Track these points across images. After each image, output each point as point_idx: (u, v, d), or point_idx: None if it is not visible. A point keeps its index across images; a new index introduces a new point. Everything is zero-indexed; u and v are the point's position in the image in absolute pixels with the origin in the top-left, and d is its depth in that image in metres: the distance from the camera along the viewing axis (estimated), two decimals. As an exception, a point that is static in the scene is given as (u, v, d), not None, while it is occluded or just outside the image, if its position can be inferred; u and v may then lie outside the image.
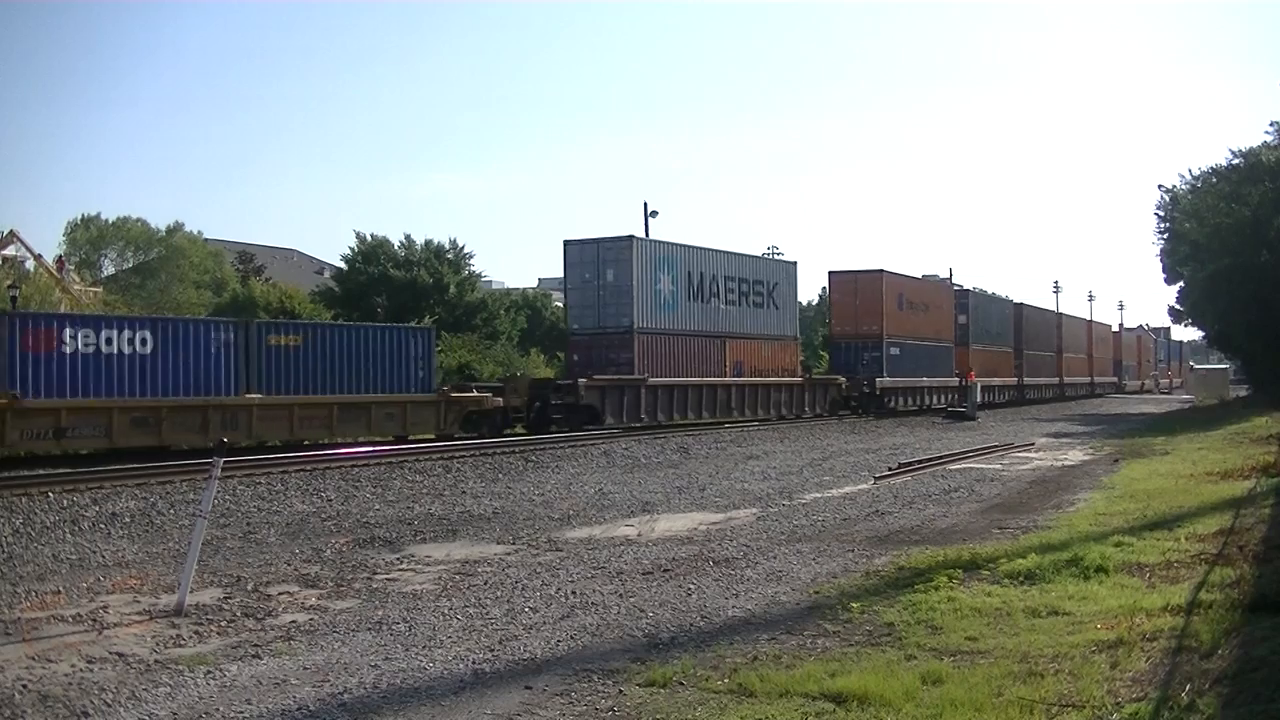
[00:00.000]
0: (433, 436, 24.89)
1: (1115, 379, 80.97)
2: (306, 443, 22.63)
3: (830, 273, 45.19)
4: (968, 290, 52.80)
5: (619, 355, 29.65)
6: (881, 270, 42.13)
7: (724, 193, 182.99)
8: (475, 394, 26.32)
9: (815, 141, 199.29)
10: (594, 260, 30.31)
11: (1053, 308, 70.89)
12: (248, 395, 22.16)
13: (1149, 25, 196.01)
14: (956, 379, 46.69)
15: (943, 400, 46.65)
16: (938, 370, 45.93)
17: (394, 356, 24.55)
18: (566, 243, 30.99)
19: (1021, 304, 60.95)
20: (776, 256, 38.14)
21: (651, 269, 30.52)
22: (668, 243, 32.36)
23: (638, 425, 28.90)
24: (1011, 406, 51.60)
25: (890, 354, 41.39)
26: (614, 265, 29.97)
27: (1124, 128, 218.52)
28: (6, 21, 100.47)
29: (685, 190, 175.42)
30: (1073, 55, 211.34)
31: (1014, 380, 55.81)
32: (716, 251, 34.01)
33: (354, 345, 24.09)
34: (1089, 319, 78.23)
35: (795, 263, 39.24)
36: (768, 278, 36.38)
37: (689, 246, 32.74)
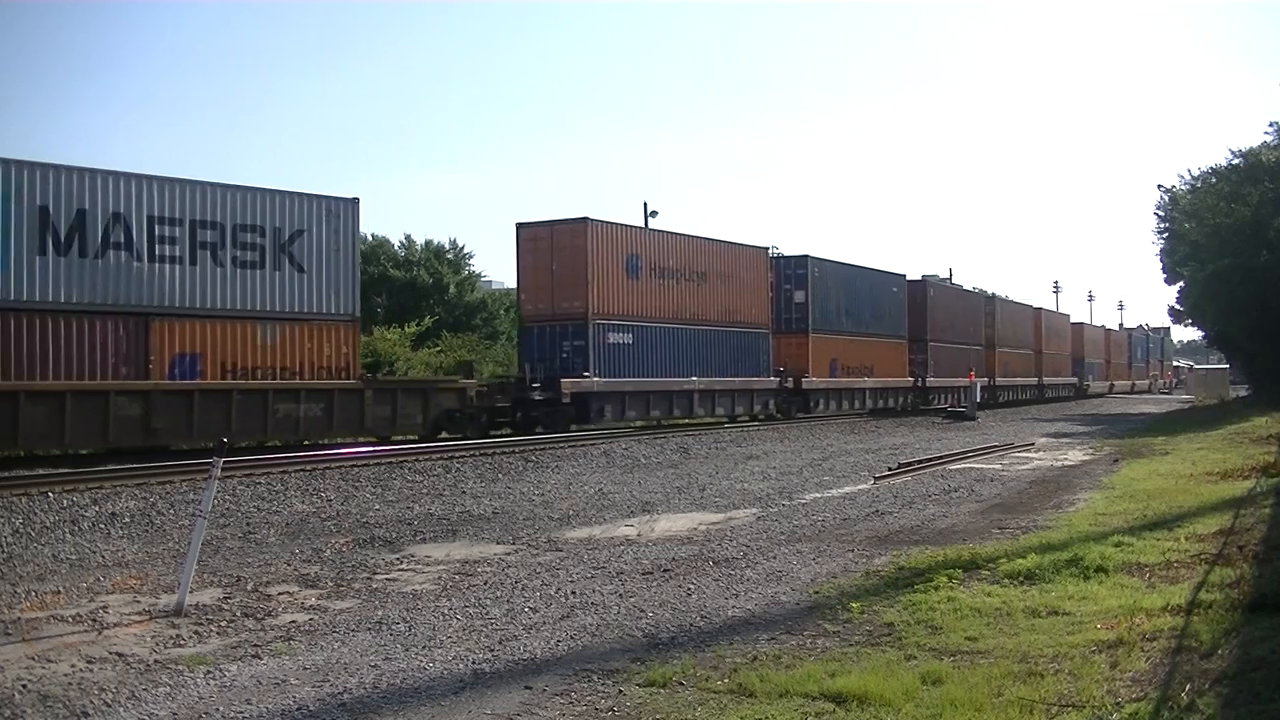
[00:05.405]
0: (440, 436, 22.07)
1: (1075, 380, 68.99)
2: (306, 442, 22.44)
3: (518, 225, 29.19)
4: (804, 258, 37.37)
5: None
6: (585, 219, 28.18)
7: (725, 192, 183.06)
8: None
9: (815, 142, 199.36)
10: None
11: (997, 291, 58.81)
12: None
13: (1149, 25, 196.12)
14: (776, 378, 34.67)
15: (749, 407, 33.62)
16: (732, 367, 32.76)
17: None
18: None
19: (925, 281, 47.61)
20: (322, 195, 23.26)
21: None
22: None
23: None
24: (917, 415, 41.50)
25: (607, 342, 28.32)
26: None
27: (1124, 127, 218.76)
28: (7, 21, 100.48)
29: (686, 189, 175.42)
30: (1073, 55, 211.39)
31: (909, 381, 43.49)
32: (137, 176, 20.60)
33: None
34: (1037, 306, 64.53)
35: (355, 200, 23.69)
36: (277, 222, 22.36)
37: (50, 166, 19.42)
